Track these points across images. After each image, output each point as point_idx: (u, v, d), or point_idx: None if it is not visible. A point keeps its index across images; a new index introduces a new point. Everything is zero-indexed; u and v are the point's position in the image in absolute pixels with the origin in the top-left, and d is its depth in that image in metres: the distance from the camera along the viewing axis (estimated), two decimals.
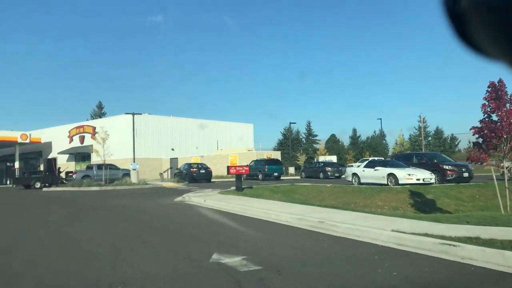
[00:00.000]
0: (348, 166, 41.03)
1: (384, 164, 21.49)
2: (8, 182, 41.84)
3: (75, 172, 36.78)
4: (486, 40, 0.77)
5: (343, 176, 35.11)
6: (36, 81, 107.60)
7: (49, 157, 50.13)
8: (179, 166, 39.41)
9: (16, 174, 39.23)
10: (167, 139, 47.53)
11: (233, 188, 19.96)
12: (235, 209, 12.91)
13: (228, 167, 20.71)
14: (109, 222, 11.48)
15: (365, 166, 22.15)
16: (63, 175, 37.85)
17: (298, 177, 37.90)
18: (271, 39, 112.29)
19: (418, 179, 18.55)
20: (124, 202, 17.76)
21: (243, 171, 20.25)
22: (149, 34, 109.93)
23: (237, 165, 29.74)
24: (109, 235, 9.01)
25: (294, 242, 7.67)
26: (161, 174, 43.79)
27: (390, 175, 19.58)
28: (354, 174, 22.21)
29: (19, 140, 41.53)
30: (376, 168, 20.73)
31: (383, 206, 15.58)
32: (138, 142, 42.24)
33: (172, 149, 47.07)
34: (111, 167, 34.20)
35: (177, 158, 44.61)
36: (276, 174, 35.17)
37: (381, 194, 16.97)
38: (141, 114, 42.80)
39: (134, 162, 35.57)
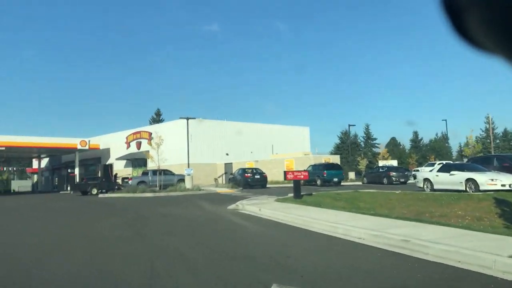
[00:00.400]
0: (414, 170, 38.33)
1: (460, 168, 19.16)
2: (68, 188, 42.80)
3: (131, 178, 36.89)
4: (484, 34, 0.75)
5: (409, 181, 32.71)
6: (97, 89, 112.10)
7: (107, 163, 51.03)
8: (233, 171, 38.41)
9: (76, 180, 39.96)
10: (222, 143, 46.70)
11: (290, 195, 18.31)
12: (295, 221, 11.26)
13: (285, 172, 18.89)
14: (153, 235, 10.26)
15: (438, 171, 19.89)
16: (119, 181, 38.13)
17: (359, 183, 35.58)
18: (325, 44, 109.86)
19: (503, 185, 16.18)
20: (174, 211, 16.70)
21: (302, 176, 18.40)
22: (206, 42, 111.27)
23: (294, 170, 28.08)
24: (149, 252, 7.71)
25: (375, 270, 5.91)
26: (216, 179, 43.07)
27: (469, 180, 17.32)
28: (426, 180, 19.97)
29: (79, 147, 42.44)
30: (451, 172, 18.49)
31: (464, 216, 13.37)
32: (193, 147, 41.75)
33: (227, 154, 46.20)
34: (166, 172, 33.86)
35: (231, 163, 43.71)
36: (336, 179, 33.03)
37: (460, 202, 14.73)
38: (195, 118, 42.23)
39: (188, 167, 34.96)
